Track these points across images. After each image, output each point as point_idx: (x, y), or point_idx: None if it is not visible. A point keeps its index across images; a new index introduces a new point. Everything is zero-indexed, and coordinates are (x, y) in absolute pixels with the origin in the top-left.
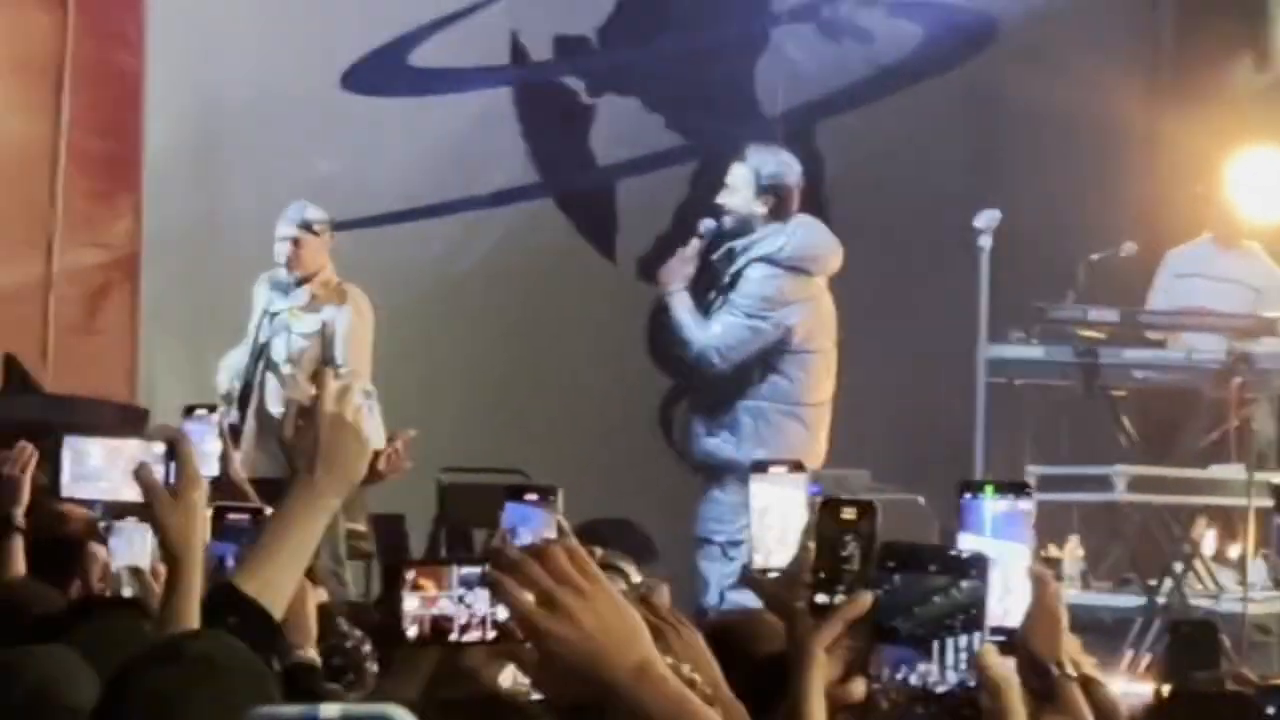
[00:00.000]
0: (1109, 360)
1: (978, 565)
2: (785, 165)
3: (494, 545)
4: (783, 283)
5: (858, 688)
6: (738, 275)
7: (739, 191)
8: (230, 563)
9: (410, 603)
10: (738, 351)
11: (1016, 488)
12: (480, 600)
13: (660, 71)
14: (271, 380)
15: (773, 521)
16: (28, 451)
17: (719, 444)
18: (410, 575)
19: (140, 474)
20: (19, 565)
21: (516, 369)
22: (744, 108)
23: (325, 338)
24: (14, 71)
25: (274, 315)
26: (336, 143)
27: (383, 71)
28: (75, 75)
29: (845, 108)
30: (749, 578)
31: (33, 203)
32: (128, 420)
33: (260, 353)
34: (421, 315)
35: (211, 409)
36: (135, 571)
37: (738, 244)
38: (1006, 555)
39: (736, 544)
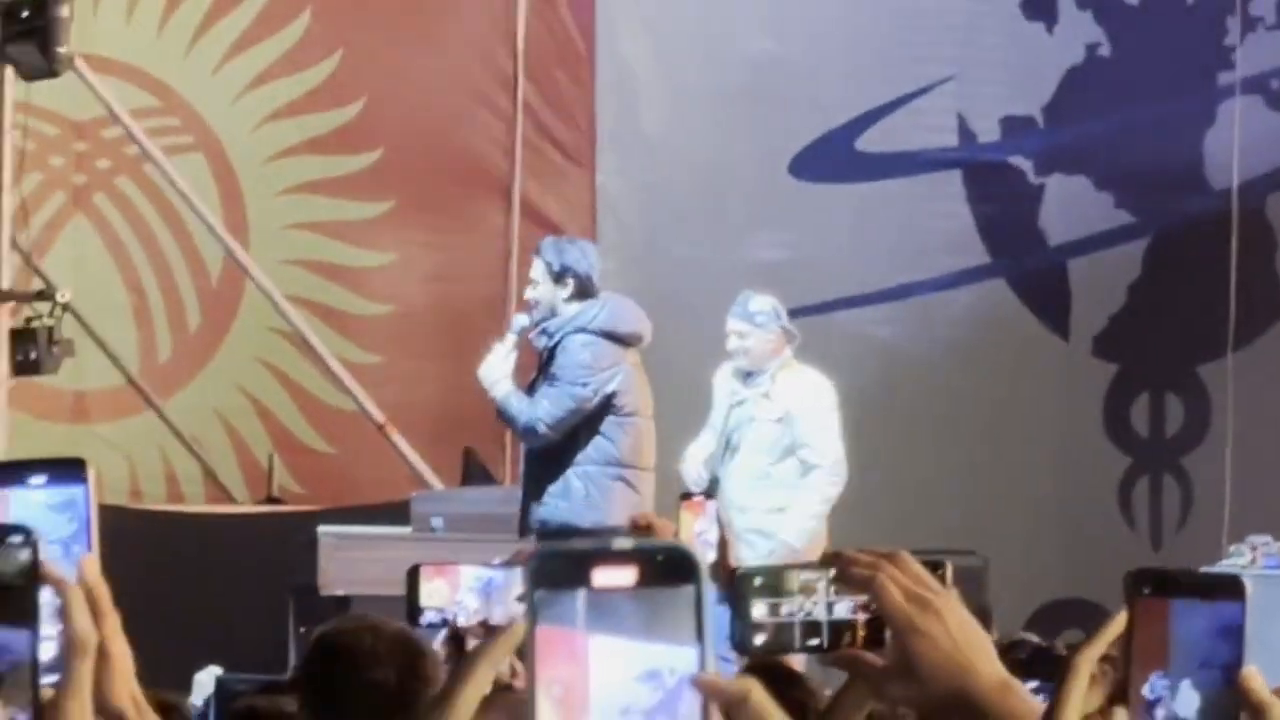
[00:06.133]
0: None
1: (1233, 588)
2: (578, 252)
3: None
4: (599, 349)
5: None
6: (555, 349)
7: (540, 284)
8: None
9: (759, 610)
10: (563, 421)
11: None
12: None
13: (1107, 148)
14: (740, 467)
15: None
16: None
17: (553, 509)
18: (758, 582)
19: None
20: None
21: (970, 448)
22: (1194, 182)
23: (789, 423)
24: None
25: (739, 404)
26: (785, 229)
27: (830, 157)
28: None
29: None
30: None
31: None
32: None
33: (727, 443)
34: (874, 399)
35: (709, 495)
36: None
37: (551, 324)
38: None
39: None
